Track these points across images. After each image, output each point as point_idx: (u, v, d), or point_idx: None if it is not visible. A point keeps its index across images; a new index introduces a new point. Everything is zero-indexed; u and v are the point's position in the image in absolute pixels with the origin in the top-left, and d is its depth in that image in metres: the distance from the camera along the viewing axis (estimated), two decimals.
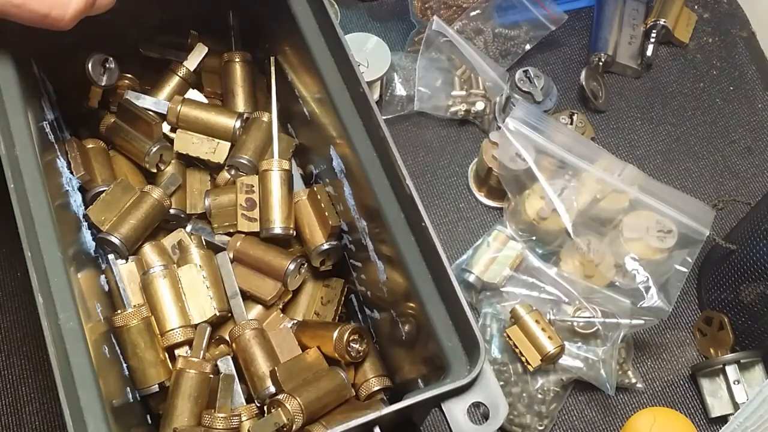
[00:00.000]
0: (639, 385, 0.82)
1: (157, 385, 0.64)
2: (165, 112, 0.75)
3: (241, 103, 0.77)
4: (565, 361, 0.79)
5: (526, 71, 0.97)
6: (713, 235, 0.80)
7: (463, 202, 0.92)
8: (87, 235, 0.67)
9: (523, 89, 0.96)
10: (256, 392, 0.67)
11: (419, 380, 0.63)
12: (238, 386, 0.68)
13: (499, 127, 0.87)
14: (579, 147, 0.84)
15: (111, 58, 0.72)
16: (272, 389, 0.65)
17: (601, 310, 0.80)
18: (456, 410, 0.52)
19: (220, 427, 0.62)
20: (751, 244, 0.78)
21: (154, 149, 0.73)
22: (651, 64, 1.01)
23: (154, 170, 0.74)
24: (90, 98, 0.74)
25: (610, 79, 1.00)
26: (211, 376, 0.65)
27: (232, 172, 0.75)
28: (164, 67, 0.78)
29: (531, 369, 0.77)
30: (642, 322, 0.78)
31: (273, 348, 0.69)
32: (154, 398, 0.67)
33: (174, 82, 0.77)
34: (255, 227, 0.72)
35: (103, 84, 0.72)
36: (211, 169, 0.77)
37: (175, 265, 0.70)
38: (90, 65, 0.70)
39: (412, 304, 0.59)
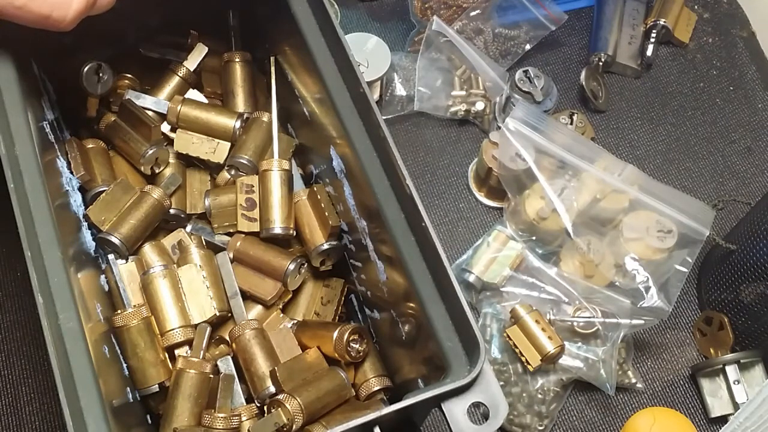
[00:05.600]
0: (639, 385, 0.82)
1: (157, 385, 0.64)
2: (165, 112, 0.75)
3: (241, 103, 0.77)
4: (565, 361, 0.79)
5: (526, 71, 0.97)
6: (713, 235, 0.80)
7: (463, 202, 0.92)
8: (87, 235, 0.67)
9: (523, 89, 0.96)
10: (256, 392, 0.67)
11: (419, 380, 0.63)
12: (238, 386, 0.68)
13: (499, 127, 0.87)
14: (579, 147, 0.84)
15: (104, 65, 0.71)
16: (272, 389, 0.65)
17: (601, 310, 0.80)
18: (456, 410, 0.52)
19: (220, 427, 0.62)
20: (751, 244, 0.78)
21: (150, 152, 0.72)
22: (651, 64, 1.01)
23: (149, 173, 0.74)
24: (88, 108, 0.74)
25: (610, 79, 1.00)
26: (211, 376, 0.65)
27: (232, 172, 0.75)
28: (164, 67, 0.78)
29: (531, 369, 0.77)
30: (642, 322, 0.78)
31: (273, 348, 0.69)
32: (154, 398, 0.66)
33: (174, 82, 0.77)
34: (255, 227, 0.72)
35: (98, 93, 0.72)
36: (211, 169, 0.77)
37: (175, 265, 0.70)
38: (84, 77, 0.70)
39: (412, 304, 0.59)
